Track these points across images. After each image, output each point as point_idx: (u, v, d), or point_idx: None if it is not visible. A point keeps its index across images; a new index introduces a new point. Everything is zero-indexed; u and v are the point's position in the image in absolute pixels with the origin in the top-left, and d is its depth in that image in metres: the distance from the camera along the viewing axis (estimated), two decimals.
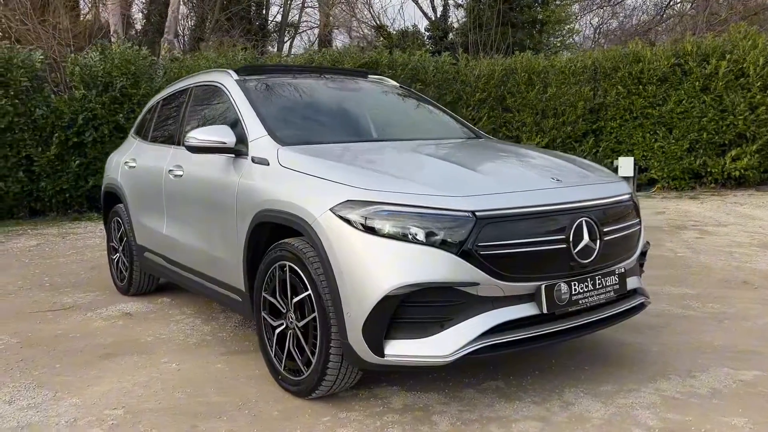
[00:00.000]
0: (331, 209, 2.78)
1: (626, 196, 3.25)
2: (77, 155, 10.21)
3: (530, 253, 2.75)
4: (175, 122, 4.55)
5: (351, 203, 2.75)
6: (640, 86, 12.03)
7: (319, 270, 2.82)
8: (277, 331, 3.14)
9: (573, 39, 23.44)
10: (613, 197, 3.15)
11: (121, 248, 5.16)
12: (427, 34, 18.47)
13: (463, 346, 2.64)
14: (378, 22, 22.26)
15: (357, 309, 2.67)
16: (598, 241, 2.92)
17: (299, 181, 3.04)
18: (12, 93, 9.91)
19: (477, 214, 2.67)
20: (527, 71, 12.45)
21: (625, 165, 12.18)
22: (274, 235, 3.22)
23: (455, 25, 19.28)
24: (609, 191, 3.17)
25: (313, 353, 2.92)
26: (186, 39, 28.52)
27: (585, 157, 12.25)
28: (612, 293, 3.00)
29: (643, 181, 12.47)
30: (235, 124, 3.66)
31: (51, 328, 4.35)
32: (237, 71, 4.12)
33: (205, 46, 24.60)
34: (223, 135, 3.52)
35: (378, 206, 2.70)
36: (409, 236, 2.65)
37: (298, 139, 3.50)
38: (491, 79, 12.42)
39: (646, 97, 12.02)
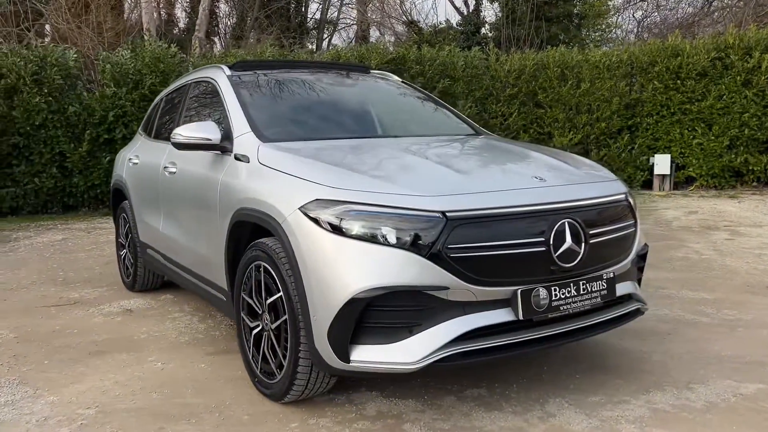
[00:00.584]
0: (300, 208, 2.69)
1: (619, 197, 3.07)
2: (108, 151, 10.37)
3: (505, 256, 2.61)
4: (172, 119, 4.53)
5: (320, 202, 2.66)
6: (678, 81, 11.61)
7: (289, 271, 2.74)
8: (254, 332, 3.08)
9: (615, 33, 22.87)
10: (603, 197, 2.98)
11: (127, 244, 5.18)
12: (459, 29, 18.20)
13: (431, 353, 2.52)
14: (409, 18, 22.09)
15: (323, 312, 2.58)
16: (583, 244, 2.76)
17: (273, 179, 2.97)
18: (46, 91, 10.14)
19: (447, 214, 2.54)
20: (560, 66, 12.15)
21: (662, 163, 11.80)
22: (254, 235, 3.15)
23: (488, 21, 19.01)
24: (599, 191, 3.00)
25: (284, 356, 2.85)
26: (227, 37, 28.92)
27: (620, 155, 12.01)
28: (599, 299, 2.84)
29: (681, 180, 12.05)
30: (224, 121, 3.62)
31: (51, 323, 4.38)
32: (230, 67, 4.08)
33: (244, 44, 24.89)
34: (208, 132, 3.47)
35: (347, 206, 2.61)
36: (377, 237, 2.54)
37: (281, 136, 3.43)
38: (522, 74, 12.15)
39: (685, 93, 11.60)
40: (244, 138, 3.38)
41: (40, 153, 10.17)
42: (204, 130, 3.48)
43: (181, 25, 30.89)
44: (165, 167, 4.18)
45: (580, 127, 12.15)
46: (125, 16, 23.64)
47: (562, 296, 2.72)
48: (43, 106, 10.04)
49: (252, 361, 3.12)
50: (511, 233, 2.63)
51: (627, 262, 3.03)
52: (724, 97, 11.34)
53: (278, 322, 2.87)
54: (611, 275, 2.89)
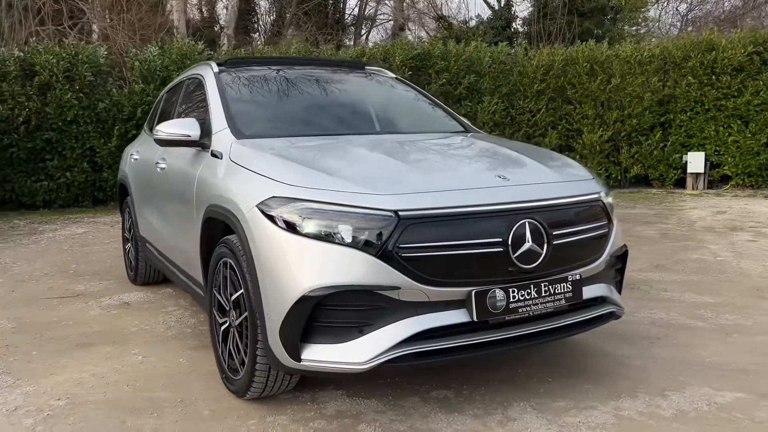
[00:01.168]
0: (257, 205, 2.69)
1: (590, 197, 2.98)
2: None
3: (459, 257, 2.56)
4: (167, 114, 4.59)
5: (277, 200, 2.65)
6: (713, 76, 11.27)
7: (247, 268, 2.75)
8: (222, 328, 3.10)
9: (658, 28, 22.29)
10: (571, 197, 2.89)
11: (130, 238, 5.28)
12: (490, 24, 17.97)
13: (381, 354, 2.49)
14: (439, 13, 21.92)
15: (275, 310, 2.58)
16: (546, 245, 2.68)
17: (239, 176, 2.98)
18: (77, 87, 10.41)
19: (400, 213, 2.51)
20: (589, 61, 11.90)
21: (695, 160, 11.47)
22: (226, 231, 3.17)
23: (520, 16, 18.72)
24: (567, 191, 2.92)
25: (245, 353, 2.86)
26: (266, 34, 29.22)
27: (652, 152, 11.71)
28: (563, 302, 2.76)
29: (716, 178, 11.68)
30: (206, 117, 3.64)
31: (49, 314, 4.50)
32: (220, 63, 4.11)
33: (281, 40, 25.11)
34: (187, 128, 3.50)
35: (301, 203, 2.59)
36: (330, 235, 2.53)
37: (257, 132, 3.43)
38: (551, 70, 11.94)
39: (720, 88, 11.25)
40: (221, 134, 3.41)
41: (71, 148, 10.46)
42: (184, 126, 3.52)
43: (222, 22, 31.42)
44: (157, 163, 4.24)
45: (611, 123, 11.89)
46: (164, 13, 24.08)
47: (522, 298, 2.65)
48: (74, 102, 10.32)
49: (220, 357, 3.14)
50: (466, 233, 2.58)
51: (598, 264, 2.94)
52: (762, 92, 10.96)
53: (240, 319, 2.88)
54: (577, 277, 2.81)
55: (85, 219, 9.31)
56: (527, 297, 2.67)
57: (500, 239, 2.60)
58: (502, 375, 3.22)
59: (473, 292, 2.56)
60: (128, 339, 3.94)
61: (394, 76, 4.62)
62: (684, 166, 11.79)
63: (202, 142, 3.48)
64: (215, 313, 3.17)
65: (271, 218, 2.63)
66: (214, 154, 3.34)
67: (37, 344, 3.88)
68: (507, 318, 2.64)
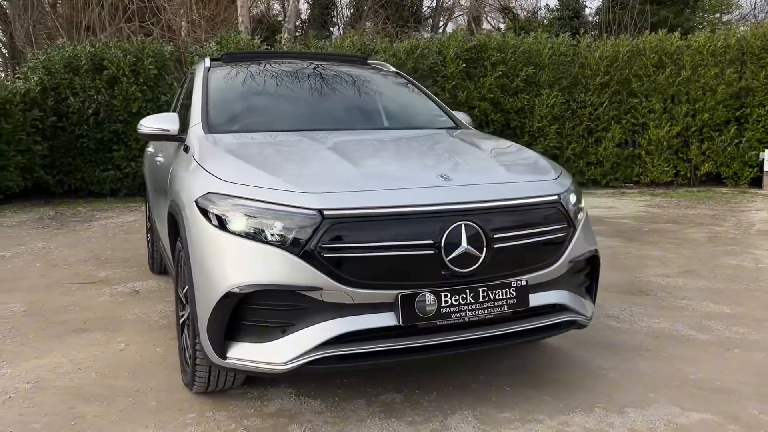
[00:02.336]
0: (195, 201, 2.71)
1: (546, 198, 2.81)
2: None
3: (385, 259, 2.48)
4: (173, 108, 4.70)
5: (211, 195, 2.66)
6: None
7: (185, 263, 2.78)
8: (180, 321, 3.14)
9: (754, 16, 20.84)
10: (520, 198, 2.74)
11: (149, 229, 5.46)
12: (557, 14, 17.34)
13: (301, 355, 2.45)
14: (504, 3, 21.34)
15: (204, 306, 2.59)
16: (485, 249, 2.56)
17: (190, 171, 3.00)
18: (142, 80, 10.87)
19: (324, 212, 2.45)
20: (657, 52, 11.31)
21: None
22: None
23: (589, 5, 17.96)
24: (516, 192, 2.76)
25: (191, 347, 2.89)
26: (343, 27, 29.51)
27: (725, 149, 11.02)
28: (505, 308, 2.62)
29: None
30: (188, 112, 3.71)
31: (63, 299, 4.71)
32: (215, 58, 4.16)
33: (357, 33, 25.26)
34: (166, 123, 3.57)
35: (231, 200, 2.59)
36: (255, 233, 2.51)
37: (226, 128, 3.46)
38: (615, 61, 11.42)
39: None
40: (194, 129, 3.45)
41: (136, 139, 10.92)
42: (163, 121, 3.59)
43: (303, 16, 32.00)
44: (156, 156, 4.36)
45: (680, 118, 11.28)
46: (251, 11, 24.65)
47: (455, 303, 2.54)
48: (139, 95, 10.79)
49: (179, 350, 3.19)
50: (394, 235, 2.49)
51: (553, 269, 2.77)
52: None
53: (187, 314, 2.91)
54: (522, 283, 2.66)
55: (140, 208, 9.69)
56: (462, 302, 2.55)
57: (431, 241, 2.50)
58: (461, 381, 3.11)
59: (399, 296, 2.48)
60: (121, 326, 4.07)
61: (394, 71, 4.54)
62: (761, 164, 11.03)
63: (180, 137, 3.54)
64: (178, 306, 3.23)
65: (205, 214, 2.63)
66: (186, 149, 3.39)
67: (37, 328, 4.07)
68: (439, 323, 2.53)
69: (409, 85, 4.40)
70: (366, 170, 2.81)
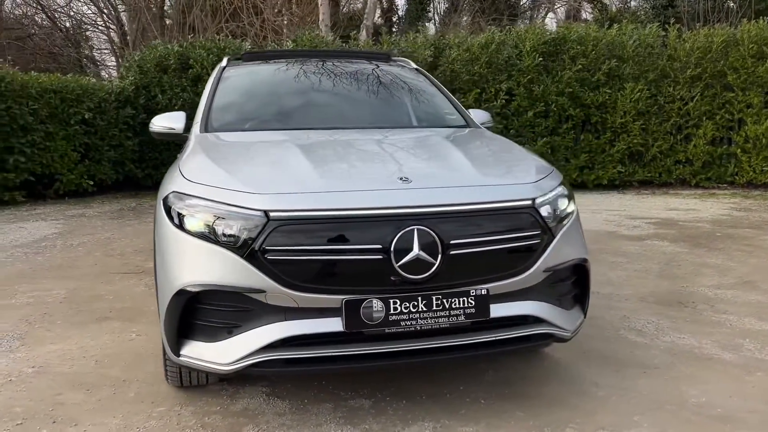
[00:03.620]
0: (163, 199, 2.76)
1: (515, 203, 2.63)
2: None
3: (331, 263, 2.42)
4: None
5: (175, 194, 2.70)
6: None
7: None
8: None
9: None
10: (485, 203, 2.58)
11: None
12: (650, 4, 16.32)
13: (244, 357, 2.45)
14: None
15: (162, 303, 2.63)
16: (440, 255, 2.44)
17: (171, 169, 3.07)
18: None
19: (270, 214, 2.43)
20: (756, 42, 10.42)
21: None
22: None
23: None
24: (481, 196, 2.60)
25: None
26: (438, 23, 29.35)
27: None
28: (462, 318, 2.49)
29: None
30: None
31: (102, 288, 4.97)
32: (234, 57, 4.23)
33: (453, 28, 25.06)
34: (174, 121, 3.68)
35: (190, 199, 2.62)
36: (207, 233, 2.52)
37: (221, 126, 3.52)
38: (708, 53, 10.63)
39: None
40: (194, 128, 3.54)
41: None
42: (171, 119, 3.70)
43: (401, 13, 32.11)
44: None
45: None
46: (342, 7, 25.10)
47: (406, 311, 2.44)
48: None
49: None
50: (341, 238, 2.43)
51: (521, 279, 2.60)
52: None
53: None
54: (483, 292, 2.52)
55: None
56: (413, 310, 2.45)
57: (380, 246, 2.41)
58: (439, 390, 2.99)
59: (344, 301, 2.41)
60: (141, 317, 4.23)
61: (414, 67, 4.44)
62: None
63: (186, 135, 3.63)
64: None
65: (168, 212, 2.68)
66: (184, 147, 3.46)
67: (68, 315, 4.31)
68: (387, 331, 2.44)
69: (426, 82, 4.29)
70: (325, 171, 2.75)
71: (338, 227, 2.44)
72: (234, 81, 3.97)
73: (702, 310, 4.18)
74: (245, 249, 2.42)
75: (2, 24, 21.18)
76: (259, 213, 2.43)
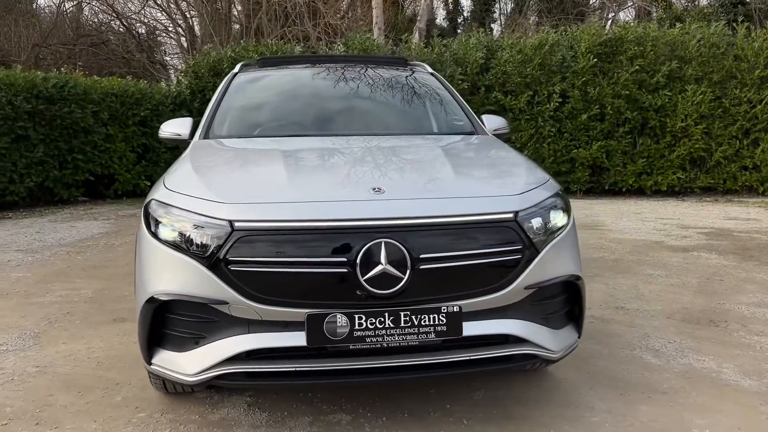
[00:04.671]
0: (144, 206, 2.77)
1: (495, 216, 2.48)
2: None
3: (295, 275, 2.35)
4: None
5: (154, 202, 2.70)
6: None
7: None
8: None
9: None
10: (460, 216, 2.44)
11: None
12: (720, 1, 15.46)
13: (208, 369, 2.41)
14: None
15: (137, 310, 2.63)
16: (409, 270, 2.33)
17: (161, 176, 3.07)
18: None
19: (235, 224, 2.38)
20: None
21: None
22: None
23: None
24: (456, 209, 2.47)
25: None
26: (503, 24, 28.93)
27: None
28: (433, 335, 2.38)
29: None
30: None
31: (127, 289, 5.03)
32: (247, 64, 4.23)
33: (516, 28, 24.64)
34: (179, 127, 3.70)
35: (166, 208, 2.61)
36: (178, 242, 2.50)
37: (221, 133, 3.52)
38: None
39: None
40: (197, 134, 3.54)
41: None
42: (178, 125, 3.72)
43: (466, 13, 31.85)
44: None
45: None
46: (405, 9, 25.07)
47: (371, 327, 2.34)
48: None
49: None
50: (305, 250, 2.35)
51: (499, 296, 2.45)
52: None
53: None
54: (455, 309, 2.39)
55: None
56: (380, 326, 2.35)
57: (345, 259, 2.33)
58: (423, 408, 2.88)
59: (307, 315, 2.34)
60: None
61: (429, 72, 4.33)
62: None
63: (189, 141, 3.64)
64: None
65: (147, 219, 2.68)
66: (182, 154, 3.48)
67: (87, 314, 4.41)
68: (352, 347, 2.36)
69: (439, 87, 4.16)
70: (298, 181, 2.69)
71: (303, 239, 2.37)
72: (243, 87, 3.97)
73: (733, 330, 3.89)
74: (210, 259, 2.39)
75: (81, 30, 22.24)
76: (224, 223, 2.39)
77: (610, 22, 27.07)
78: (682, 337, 3.76)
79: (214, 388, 3.05)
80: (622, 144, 10.68)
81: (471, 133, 3.68)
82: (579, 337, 2.77)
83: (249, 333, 2.40)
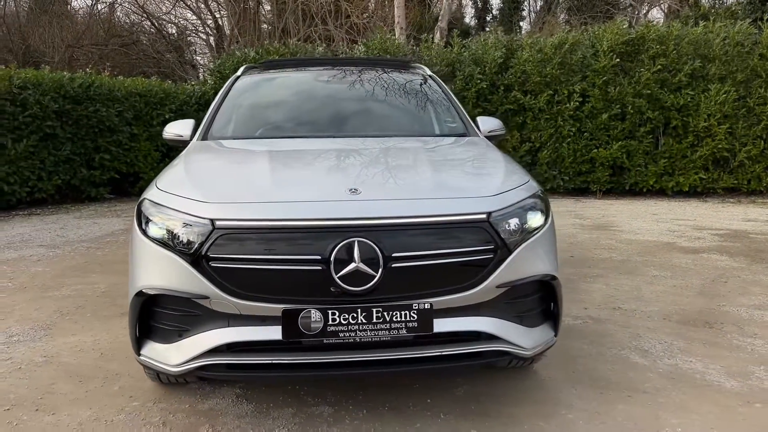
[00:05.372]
0: (138, 204, 2.90)
1: (467, 217, 2.55)
2: None
3: (271, 272, 2.45)
4: None
5: (146, 201, 2.82)
6: None
7: None
8: None
9: None
10: (432, 216, 2.52)
11: None
12: None
13: (190, 360, 2.53)
14: None
15: (128, 303, 2.76)
16: (381, 268, 2.42)
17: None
18: None
19: (216, 222, 2.50)
20: None
21: None
22: None
23: None
24: (429, 209, 2.55)
25: None
26: (532, 23, 28.74)
27: None
28: (403, 332, 2.46)
29: None
30: None
31: None
32: (251, 66, 4.35)
33: (547, 26, 24.47)
34: (181, 129, 3.84)
35: (155, 207, 2.73)
36: (164, 239, 2.62)
37: (219, 134, 3.64)
38: None
39: None
40: (196, 135, 3.67)
41: None
42: (180, 127, 3.86)
43: (495, 11, 31.74)
44: None
45: None
46: (431, 8, 25.08)
47: (344, 322, 2.44)
48: None
49: None
50: (281, 248, 2.45)
51: (470, 294, 2.52)
52: None
53: None
54: (426, 306, 2.47)
55: None
56: (352, 322, 2.44)
57: (320, 257, 2.42)
58: (403, 402, 2.96)
59: (283, 311, 2.44)
60: None
61: (428, 74, 4.41)
62: None
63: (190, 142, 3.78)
64: None
65: (139, 217, 2.81)
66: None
67: (99, 308, 4.59)
68: (326, 341, 2.45)
69: (436, 90, 4.23)
70: (279, 181, 2.80)
71: (280, 237, 2.47)
72: (244, 89, 4.09)
73: (727, 332, 3.89)
74: (193, 256, 2.50)
75: (113, 31, 22.74)
76: (206, 221, 2.51)
77: (639, 20, 26.76)
78: (673, 338, 3.78)
79: (205, 380, 3.18)
80: (643, 144, 10.59)
81: (462, 135, 3.75)
82: (556, 336, 2.82)
83: (229, 327, 2.51)
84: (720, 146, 10.29)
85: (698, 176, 10.50)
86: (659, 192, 10.86)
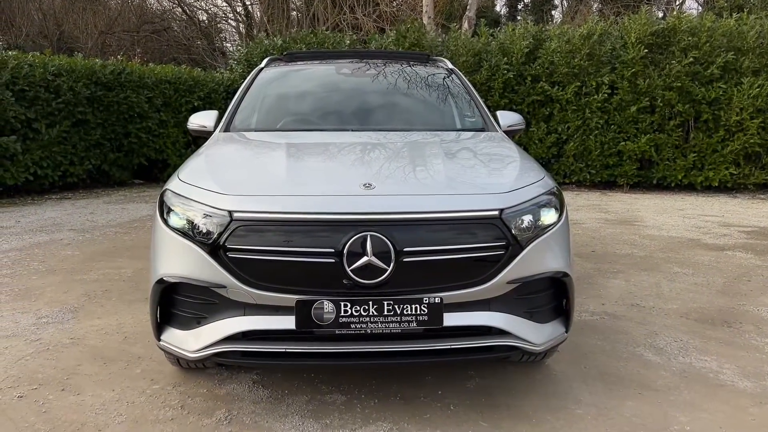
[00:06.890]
0: (160, 194, 2.98)
1: (479, 213, 2.58)
2: None
3: (286, 264, 2.51)
4: None
5: (168, 192, 2.91)
6: None
7: None
8: None
9: None
10: (444, 212, 2.56)
11: None
12: None
13: (207, 346, 2.62)
14: None
15: (149, 290, 2.85)
16: (393, 262, 2.47)
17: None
18: None
19: (234, 214, 2.57)
20: None
21: None
22: None
23: None
24: (441, 205, 2.59)
25: None
26: (564, 10, 28.37)
27: None
28: (414, 324, 2.51)
29: None
30: None
31: None
32: (275, 58, 4.41)
33: (578, 16, 24.17)
34: (205, 120, 3.92)
35: (177, 197, 2.82)
36: (185, 229, 2.70)
37: (242, 126, 3.71)
38: None
39: None
40: (219, 126, 3.75)
41: None
42: (204, 118, 3.94)
43: (527, 0, 31.41)
44: None
45: None
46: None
47: (356, 314, 2.50)
48: None
49: None
50: (296, 240, 2.52)
51: (481, 289, 2.56)
52: None
53: None
54: (436, 300, 2.52)
55: None
56: (364, 314, 2.50)
57: (333, 250, 2.48)
58: (415, 393, 3.02)
59: (296, 301, 2.51)
60: None
61: (449, 68, 4.43)
62: None
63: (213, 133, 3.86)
64: None
65: (161, 207, 2.89)
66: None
67: (125, 292, 4.72)
68: (338, 332, 2.52)
69: (456, 83, 4.25)
70: (296, 175, 2.85)
71: (294, 230, 2.53)
72: (267, 82, 4.15)
73: (745, 332, 3.86)
74: (211, 246, 2.58)
75: (144, 17, 23.02)
76: (224, 212, 2.58)
77: (672, 11, 26.24)
78: (690, 337, 3.77)
79: (223, 366, 3.26)
80: (672, 137, 10.45)
81: (481, 130, 3.77)
82: (567, 332, 2.85)
83: (245, 315, 2.59)
84: (752, 141, 10.11)
85: (728, 171, 10.34)
86: (688, 187, 10.72)
